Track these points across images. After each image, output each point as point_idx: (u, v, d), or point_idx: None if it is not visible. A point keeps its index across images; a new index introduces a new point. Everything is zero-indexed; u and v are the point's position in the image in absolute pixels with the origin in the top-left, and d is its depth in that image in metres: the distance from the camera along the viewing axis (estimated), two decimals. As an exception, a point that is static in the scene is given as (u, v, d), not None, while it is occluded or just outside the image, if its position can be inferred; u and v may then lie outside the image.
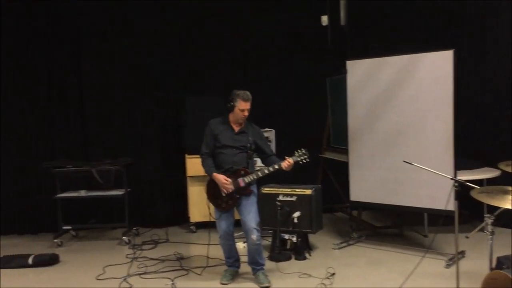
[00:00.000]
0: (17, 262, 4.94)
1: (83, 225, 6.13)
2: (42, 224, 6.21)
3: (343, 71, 5.43)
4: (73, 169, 5.80)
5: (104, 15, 6.28)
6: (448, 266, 4.49)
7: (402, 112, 4.93)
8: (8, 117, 6.16)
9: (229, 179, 4.10)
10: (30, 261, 4.92)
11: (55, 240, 5.66)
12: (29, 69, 6.18)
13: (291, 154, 4.15)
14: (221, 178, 4.10)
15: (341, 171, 5.80)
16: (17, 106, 6.19)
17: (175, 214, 6.47)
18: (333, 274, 4.39)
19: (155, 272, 4.60)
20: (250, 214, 4.11)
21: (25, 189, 6.20)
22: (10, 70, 6.14)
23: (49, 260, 4.97)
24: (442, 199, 4.31)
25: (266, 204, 5.00)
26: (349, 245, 5.33)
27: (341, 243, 5.34)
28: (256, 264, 4.24)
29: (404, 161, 4.12)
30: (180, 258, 5.01)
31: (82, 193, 5.89)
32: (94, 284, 4.37)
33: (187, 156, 6.05)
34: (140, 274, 4.53)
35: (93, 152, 6.30)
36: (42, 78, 6.22)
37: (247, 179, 4.11)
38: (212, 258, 4.84)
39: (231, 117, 4.19)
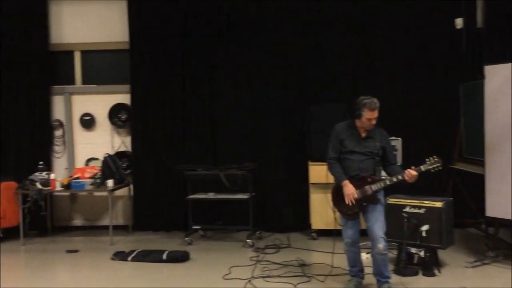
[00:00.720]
0: (153, 256, 5.35)
1: (210, 225, 6.45)
2: (174, 222, 6.66)
3: (479, 77, 5.06)
4: (203, 172, 6.16)
5: (234, 27, 6.59)
6: None
7: (551, 121, 4.45)
8: (146, 124, 6.73)
9: (356, 196, 4.02)
10: (164, 256, 5.30)
11: (186, 239, 6.03)
12: (168, 80, 6.68)
13: (418, 165, 3.95)
14: (350, 189, 4.02)
15: (475, 184, 5.40)
16: (153, 115, 6.72)
17: (297, 220, 6.53)
18: (466, 294, 4.09)
19: (278, 276, 4.67)
20: (378, 222, 4.00)
21: (160, 189, 6.71)
22: (153, 81, 6.71)
23: (181, 257, 5.31)
24: None
25: (392, 215, 4.80)
26: (484, 264, 4.91)
27: (475, 261, 4.94)
28: (381, 275, 4.11)
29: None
30: (302, 265, 5.03)
31: (211, 195, 6.22)
32: (221, 283, 4.57)
33: (310, 163, 6.08)
34: (264, 277, 4.64)
35: (222, 157, 6.61)
36: (178, 88, 6.69)
37: (374, 187, 4.00)
38: (334, 267, 4.80)
39: (358, 122, 4.10)
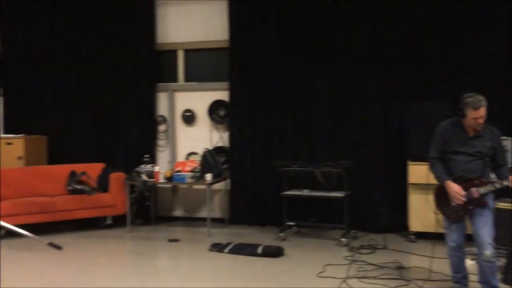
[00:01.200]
0: (248, 250, 5.46)
1: (304, 222, 6.45)
2: (269, 217, 6.76)
3: None
4: (298, 169, 6.17)
5: (330, 25, 6.52)
6: None
7: None
8: (244, 121, 6.89)
9: (463, 192, 3.79)
10: (259, 250, 5.40)
11: (280, 234, 6.09)
12: (264, 77, 6.78)
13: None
14: (454, 188, 3.80)
15: None
16: (250, 111, 6.86)
17: (394, 221, 6.32)
18: None
19: (374, 277, 4.55)
20: (485, 227, 3.73)
21: (255, 184, 6.84)
22: (250, 78, 6.85)
23: (275, 252, 5.37)
24: None
25: (501, 221, 4.49)
26: None
27: None
28: (488, 284, 3.84)
29: None
30: (400, 267, 4.86)
31: (305, 192, 6.21)
32: (315, 280, 4.55)
33: (409, 162, 5.85)
34: (359, 278, 4.55)
35: (317, 154, 6.58)
36: (274, 85, 6.75)
37: (482, 190, 3.74)
38: (434, 272, 4.57)
39: (464, 121, 3.83)
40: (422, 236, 5.78)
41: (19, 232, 2.66)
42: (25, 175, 6.81)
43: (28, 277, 4.81)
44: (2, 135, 7.39)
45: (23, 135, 7.21)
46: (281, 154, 6.67)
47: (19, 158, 7.07)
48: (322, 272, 4.76)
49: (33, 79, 7.57)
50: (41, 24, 7.51)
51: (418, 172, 5.68)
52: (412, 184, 5.84)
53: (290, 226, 6.37)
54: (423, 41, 6.21)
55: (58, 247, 2.54)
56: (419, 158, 5.61)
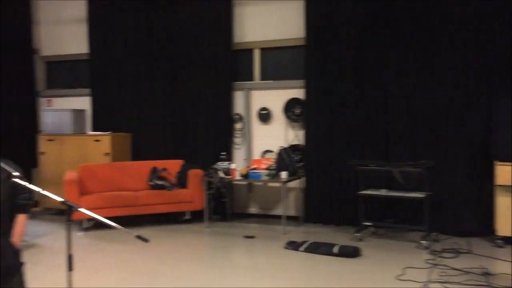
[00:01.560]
0: (324, 249, 5.42)
1: (382, 223, 6.29)
2: (344, 217, 6.65)
3: None
4: (375, 168, 6.02)
5: (409, 21, 6.30)
6: None
7: None
8: (319, 119, 6.83)
9: None
10: (335, 250, 5.34)
11: (356, 234, 5.98)
12: (340, 75, 6.67)
13: None
14: None
15: None
16: (326, 109, 6.77)
17: (478, 225, 5.99)
18: None
19: (458, 283, 4.34)
20: None
21: (331, 183, 6.75)
22: (326, 76, 6.78)
23: (352, 252, 5.29)
24: None
25: None
26: None
27: None
28: None
29: None
30: (487, 273, 4.59)
31: (383, 192, 6.05)
32: (394, 283, 4.43)
33: (497, 163, 5.52)
34: (442, 283, 4.36)
35: (395, 153, 6.38)
36: (350, 83, 6.62)
37: None
38: (526, 280, 4.29)
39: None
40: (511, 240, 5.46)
41: (109, 224, 2.80)
42: (111, 170, 7.22)
43: (115, 265, 5.09)
44: (91, 133, 7.89)
45: (109, 132, 7.64)
46: (357, 152, 6.54)
47: (106, 154, 7.50)
48: (401, 275, 4.62)
49: (119, 80, 7.98)
50: (126, 26, 7.89)
51: (507, 173, 5.37)
52: (500, 186, 5.50)
53: (367, 226, 6.22)
54: (508, 28, 5.83)
55: (145, 240, 2.65)
56: (508, 158, 5.29)
